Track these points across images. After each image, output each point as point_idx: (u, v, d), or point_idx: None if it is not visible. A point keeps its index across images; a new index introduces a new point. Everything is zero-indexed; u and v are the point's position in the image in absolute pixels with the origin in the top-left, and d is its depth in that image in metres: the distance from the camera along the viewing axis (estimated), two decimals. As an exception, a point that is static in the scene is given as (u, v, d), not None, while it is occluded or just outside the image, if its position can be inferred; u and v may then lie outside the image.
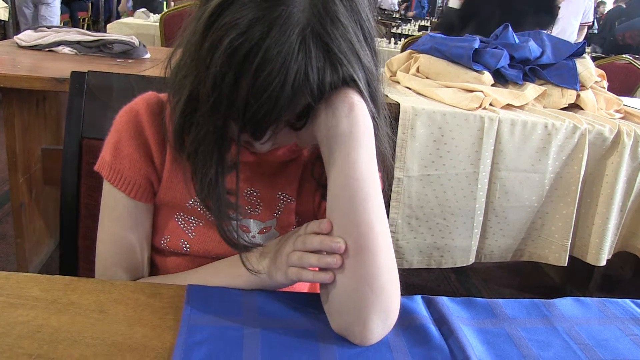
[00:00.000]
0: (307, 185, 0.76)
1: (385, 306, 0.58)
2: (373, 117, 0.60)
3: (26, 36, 2.04)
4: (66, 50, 2.01)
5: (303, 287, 0.82)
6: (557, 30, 4.94)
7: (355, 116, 0.58)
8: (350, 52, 0.55)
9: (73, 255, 0.94)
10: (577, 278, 2.31)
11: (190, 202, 0.73)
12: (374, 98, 0.60)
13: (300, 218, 0.77)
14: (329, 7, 0.53)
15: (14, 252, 1.94)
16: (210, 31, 0.53)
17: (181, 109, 0.60)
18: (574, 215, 1.77)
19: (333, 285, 0.59)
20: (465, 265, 1.82)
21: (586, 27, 4.96)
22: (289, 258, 0.62)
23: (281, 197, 0.75)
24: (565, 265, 1.82)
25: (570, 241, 1.79)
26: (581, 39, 4.99)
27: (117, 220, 0.73)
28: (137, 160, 0.70)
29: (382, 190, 0.61)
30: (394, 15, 8.54)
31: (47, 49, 2.01)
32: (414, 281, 2.30)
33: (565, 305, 0.71)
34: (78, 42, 2.02)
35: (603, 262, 1.83)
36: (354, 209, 0.58)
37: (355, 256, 0.58)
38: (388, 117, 0.65)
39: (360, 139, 0.58)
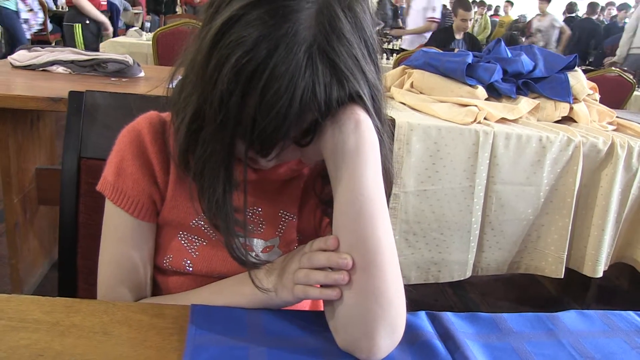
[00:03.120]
0: (309, 203, 0.76)
1: (392, 320, 0.58)
2: (378, 132, 0.60)
3: (20, 56, 2.04)
4: (60, 69, 2.01)
5: (305, 305, 0.81)
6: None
7: (362, 132, 0.58)
8: (356, 68, 0.55)
9: (72, 276, 0.93)
10: (574, 290, 2.31)
11: (194, 221, 0.72)
12: (378, 113, 0.61)
13: (302, 236, 0.77)
14: (334, 23, 0.54)
15: (8, 273, 1.92)
16: (216, 49, 0.53)
17: (186, 128, 0.59)
18: (570, 227, 1.78)
19: (339, 301, 0.59)
20: (462, 279, 1.82)
21: (432, 22, 5.14)
22: (295, 275, 0.61)
23: (283, 215, 0.75)
24: (562, 277, 1.82)
25: (566, 253, 1.80)
26: (426, 33, 5.19)
27: (121, 240, 0.72)
28: (141, 179, 0.70)
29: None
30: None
31: (41, 69, 2.01)
32: (411, 296, 2.28)
33: (570, 318, 0.71)
34: (72, 62, 2.03)
35: (600, 274, 1.84)
36: (361, 225, 0.58)
37: (363, 271, 0.57)
38: (391, 132, 0.66)
39: (367, 155, 0.58)
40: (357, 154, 0.58)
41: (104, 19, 4.13)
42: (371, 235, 0.58)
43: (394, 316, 0.58)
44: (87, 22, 4.04)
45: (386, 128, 0.63)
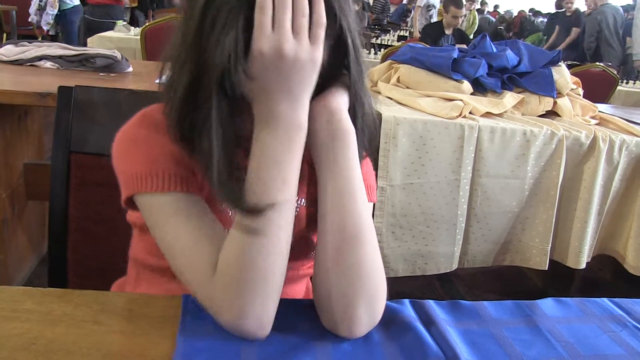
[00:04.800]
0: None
1: (372, 293, 0.61)
2: (355, 91, 0.65)
3: (7, 51, 2.03)
4: (48, 64, 2.01)
5: (300, 294, 0.83)
6: None
7: (337, 122, 0.63)
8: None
9: (62, 269, 0.94)
10: (559, 281, 2.35)
11: None
12: (356, 48, 0.63)
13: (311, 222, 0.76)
14: None
15: (-4, 268, 1.92)
16: (207, 15, 0.56)
17: (181, 100, 0.60)
18: (554, 220, 1.81)
19: (322, 279, 0.62)
20: (448, 271, 1.84)
21: None
22: None
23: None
24: (546, 269, 1.85)
25: (550, 245, 1.83)
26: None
27: (182, 217, 0.62)
28: (173, 152, 0.64)
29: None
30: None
31: (29, 64, 2.01)
32: (399, 289, 2.31)
33: (547, 305, 0.73)
34: (60, 57, 2.02)
35: (583, 265, 1.87)
36: (343, 201, 0.62)
37: (345, 245, 0.61)
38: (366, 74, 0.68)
39: (342, 142, 0.63)
40: (333, 142, 0.63)
41: None
42: (353, 210, 0.62)
43: (373, 289, 0.62)
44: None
45: (363, 67, 0.65)
